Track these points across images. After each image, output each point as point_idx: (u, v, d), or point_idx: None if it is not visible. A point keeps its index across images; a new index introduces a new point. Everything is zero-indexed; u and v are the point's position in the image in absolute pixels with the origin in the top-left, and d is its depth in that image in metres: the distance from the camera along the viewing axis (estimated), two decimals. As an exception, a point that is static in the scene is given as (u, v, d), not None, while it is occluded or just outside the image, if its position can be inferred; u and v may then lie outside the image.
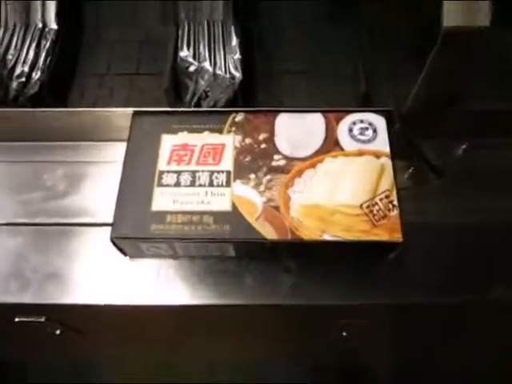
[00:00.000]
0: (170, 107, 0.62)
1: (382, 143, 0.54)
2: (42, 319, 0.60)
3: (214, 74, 0.59)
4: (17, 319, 0.59)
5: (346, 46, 0.67)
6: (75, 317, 0.61)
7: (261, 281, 0.55)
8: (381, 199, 0.51)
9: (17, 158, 0.63)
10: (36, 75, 0.60)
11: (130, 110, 0.59)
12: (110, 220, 0.52)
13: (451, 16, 0.43)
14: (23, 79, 0.60)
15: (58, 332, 0.63)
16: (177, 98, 0.63)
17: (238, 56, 0.60)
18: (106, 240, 0.52)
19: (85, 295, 0.56)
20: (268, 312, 0.56)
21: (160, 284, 0.56)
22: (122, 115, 0.59)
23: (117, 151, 0.58)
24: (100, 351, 0.79)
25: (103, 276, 0.57)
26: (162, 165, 0.53)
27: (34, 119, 0.60)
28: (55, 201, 0.61)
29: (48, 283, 0.57)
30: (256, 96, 0.62)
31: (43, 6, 0.65)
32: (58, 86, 0.63)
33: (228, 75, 0.59)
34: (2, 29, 0.64)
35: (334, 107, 0.58)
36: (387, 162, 0.53)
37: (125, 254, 0.55)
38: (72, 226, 0.59)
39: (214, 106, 0.61)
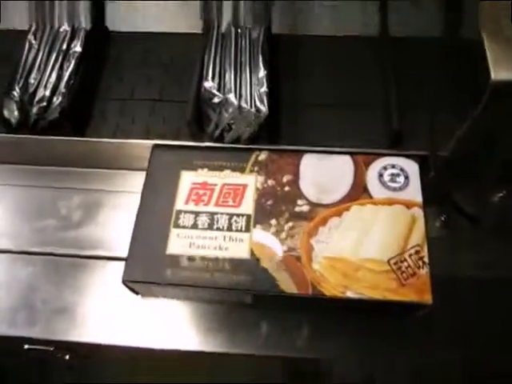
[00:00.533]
0: (192, 138, 0.59)
1: (414, 192, 0.51)
2: (51, 348, 0.59)
3: (239, 107, 0.57)
4: (26, 346, 0.58)
5: (376, 80, 0.63)
6: (84, 349, 0.59)
7: (277, 331, 0.52)
8: (410, 255, 0.47)
9: (34, 182, 0.62)
10: (57, 100, 0.59)
11: (150, 142, 0.57)
12: (124, 254, 0.50)
13: (500, 68, 0.40)
14: (44, 103, 0.59)
15: (67, 357, 0.62)
16: (199, 127, 0.60)
17: (264, 89, 0.58)
18: (118, 275, 0.50)
19: (93, 333, 0.54)
20: (283, 363, 0.54)
21: (172, 327, 0.54)
22: (142, 146, 0.57)
23: (136, 181, 0.56)
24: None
25: (113, 314, 0.55)
26: (179, 204, 0.51)
27: (53, 146, 0.59)
28: (70, 230, 0.59)
29: (57, 317, 0.55)
30: (281, 131, 0.59)
31: (71, 28, 0.64)
32: (79, 111, 0.62)
33: (254, 109, 0.56)
34: (27, 47, 0.63)
35: (363, 146, 0.55)
36: (419, 213, 0.49)
37: (136, 293, 0.53)
38: (85, 259, 0.57)
39: (237, 139, 0.58)
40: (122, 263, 0.49)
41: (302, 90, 0.63)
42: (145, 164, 0.55)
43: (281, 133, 0.59)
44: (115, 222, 0.59)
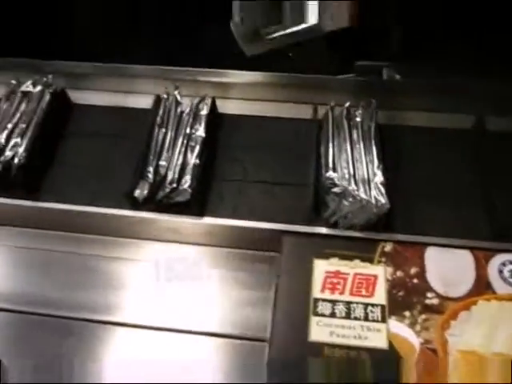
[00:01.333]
0: (309, 222, 0.64)
1: (536, 288, 0.55)
2: None
3: (360, 198, 0.61)
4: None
5: (475, 173, 0.68)
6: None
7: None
8: (539, 351, 0.51)
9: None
10: (186, 183, 0.63)
11: (279, 226, 0.61)
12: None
13: None
14: (174, 185, 0.63)
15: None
16: (315, 211, 0.65)
17: (382, 180, 0.62)
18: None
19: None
20: None
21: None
22: (268, 230, 0.61)
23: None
24: None
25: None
26: (316, 292, 0.55)
27: (179, 225, 0.64)
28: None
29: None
30: (393, 220, 0.64)
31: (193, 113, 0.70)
32: (204, 193, 0.66)
33: (373, 200, 0.61)
34: (156, 130, 0.68)
35: (477, 239, 0.59)
36: (542, 309, 0.53)
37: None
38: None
39: (352, 227, 0.63)
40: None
41: (408, 180, 0.68)
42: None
43: (394, 222, 0.63)
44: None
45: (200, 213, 0.65)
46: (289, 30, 0.55)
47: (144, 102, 0.76)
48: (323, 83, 0.76)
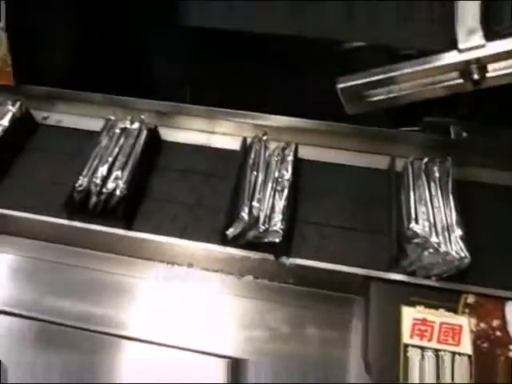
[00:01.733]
0: (389, 269, 0.68)
1: None
2: None
3: (441, 252, 0.65)
4: None
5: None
6: None
7: None
8: None
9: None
10: (276, 225, 0.68)
11: (362, 271, 0.65)
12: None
13: None
14: (266, 226, 0.67)
15: None
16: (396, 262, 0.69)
17: (462, 234, 0.66)
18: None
19: None
20: None
21: None
22: (353, 274, 0.66)
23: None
24: None
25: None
26: (405, 337, 0.59)
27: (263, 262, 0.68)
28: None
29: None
30: (472, 272, 0.67)
31: (281, 160, 0.75)
32: (289, 233, 0.71)
33: (454, 253, 0.65)
34: (249, 172, 0.73)
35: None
36: None
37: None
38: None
39: (429, 276, 0.66)
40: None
41: (481, 234, 0.72)
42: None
43: (472, 274, 0.67)
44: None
45: (286, 253, 0.69)
46: (391, 95, 0.60)
47: (228, 142, 0.82)
48: (398, 136, 0.82)
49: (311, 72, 0.90)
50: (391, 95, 0.60)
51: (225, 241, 0.70)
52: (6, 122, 0.78)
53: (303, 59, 0.91)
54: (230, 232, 0.69)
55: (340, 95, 0.61)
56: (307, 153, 0.81)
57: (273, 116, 0.83)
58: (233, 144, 0.81)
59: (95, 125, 0.83)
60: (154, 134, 0.81)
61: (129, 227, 0.72)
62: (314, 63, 0.90)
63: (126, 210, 0.72)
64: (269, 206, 0.70)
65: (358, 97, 0.61)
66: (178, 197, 0.76)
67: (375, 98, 0.60)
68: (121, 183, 0.72)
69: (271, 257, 0.69)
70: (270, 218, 0.69)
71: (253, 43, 0.85)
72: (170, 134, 0.84)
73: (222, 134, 0.85)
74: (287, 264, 0.69)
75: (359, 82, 0.60)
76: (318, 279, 0.69)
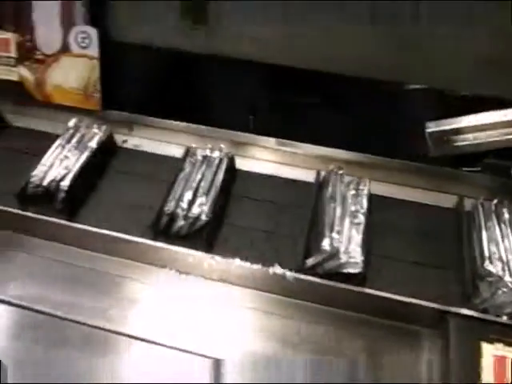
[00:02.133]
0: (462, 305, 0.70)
1: None
2: None
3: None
4: None
5: None
6: None
7: None
8: None
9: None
10: (356, 256, 0.71)
11: (438, 305, 0.68)
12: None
13: None
14: (346, 258, 0.71)
15: None
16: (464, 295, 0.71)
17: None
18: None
19: None
20: None
21: None
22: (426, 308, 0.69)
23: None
24: None
25: None
26: (487, 377, 0.61)
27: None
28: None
29: None
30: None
31: (357, 194, 0.79)
32: (366, 265, 0.74)
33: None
34: (327, 204, 0.77)
35: None
36: None
37: None
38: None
39: (500, 314, 0.69)
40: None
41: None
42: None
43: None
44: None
45: (361, 284, 0.72)
46: (476, 141, 0.64)
47: (301, 174, 0.86)
48: (464, 176, 0.85)
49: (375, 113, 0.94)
50: (476, 142, 0.64)
51: (302, 268, 0.73)
52: (94, 144, 0.83)
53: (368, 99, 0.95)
54: (310, 261, 0.72)
55: (428, 139, 0.65)
56: (376, 188, 0.85)
57: (341, 151, 0.88)
58: (305, 176, 0.86)
59: (171, 150, 0.88)
60: (232, 163, 0.85)
61: (210, 251, 0.75)
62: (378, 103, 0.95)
63: (209, 235, 0.76)
64: (347, 238, 0.74)
65: (443, 141, 0.65)
66: (254, 224, 0.79)
67: (461, 143, 0.64)
68: (205, 208, 0.76)
69: (349, 286, 0.72)
70: (348, 249, 0.73)
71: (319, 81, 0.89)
72: (243, 163, 0.89)
73: (293, 165, 0.89)
74: (363, 294, 0.71)
75: (448, 127, 0.64)
76: (392, 310, 0.71)
